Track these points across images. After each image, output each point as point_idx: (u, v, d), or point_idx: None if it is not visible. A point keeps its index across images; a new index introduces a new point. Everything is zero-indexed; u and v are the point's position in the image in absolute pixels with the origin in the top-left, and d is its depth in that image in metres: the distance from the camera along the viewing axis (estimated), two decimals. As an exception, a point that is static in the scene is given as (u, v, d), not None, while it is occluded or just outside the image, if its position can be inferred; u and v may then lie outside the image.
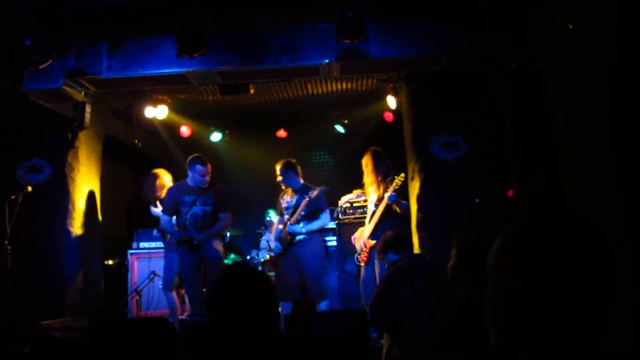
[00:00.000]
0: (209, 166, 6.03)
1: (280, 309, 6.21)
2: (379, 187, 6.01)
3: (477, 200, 5.75)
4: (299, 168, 6.35)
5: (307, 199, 5.99)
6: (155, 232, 6.86)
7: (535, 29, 4.69)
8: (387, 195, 5.80)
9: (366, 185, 6.18)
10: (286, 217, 6.24)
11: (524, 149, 5.33)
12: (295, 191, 6.28)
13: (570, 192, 4.36)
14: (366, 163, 6.15)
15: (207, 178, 6.01)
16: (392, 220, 5.87)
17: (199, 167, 5.96)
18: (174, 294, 6.41)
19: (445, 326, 3.67)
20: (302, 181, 6.32)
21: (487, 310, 1.16)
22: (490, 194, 5.85)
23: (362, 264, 6.00)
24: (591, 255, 1.08)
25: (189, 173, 6.04)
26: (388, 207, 5.84)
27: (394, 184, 5.80)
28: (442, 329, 3.74)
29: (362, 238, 6.00)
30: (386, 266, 4.52)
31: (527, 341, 1.09)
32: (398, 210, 5.87)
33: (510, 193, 5.63)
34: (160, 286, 6.68)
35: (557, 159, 4.51)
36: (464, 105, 6.15)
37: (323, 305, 6.10)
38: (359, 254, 6.04)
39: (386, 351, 4.14)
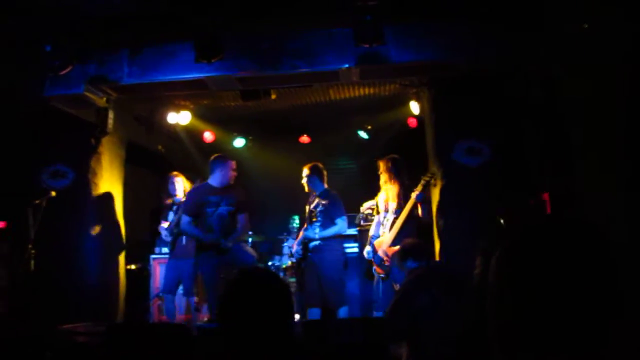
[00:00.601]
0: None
1: (306, 316, 6.19)
2: (398, 195, 5.97)
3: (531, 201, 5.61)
4: (324, 173, 6.32)
5: (318, 203, 5.97)
6: (167, 234, 6.69)
7: (553, 31, 4.58)
8: (414, 194, 5.79)
9: (385, 192, 6.11)
10: (308, 220, 6.23)
11: (547, 156, 5.20)
12: (318, 196, 6.24)
13: (586, 198, 4.24)
14: (384, 170, 6.09)
15: (235, 174, 6.07)
16: (410, 229, 5.84)
17: (230, 162, 6.04)
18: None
19: (464, 335, 3.59)
20: (325, 186, 6.28)
21: (488, 323, 1.14)
22: (514, 201, 5.72)
23: (382, 276, 5.91)
24: (591, 265, 1.06)
25: (216, 172, 6.01)
26: (410, 213, 5.78)
27: (421, 182, 5.83)
28: (461, 337, 3.66)
29: (381, 247, 5.93)
30: (405, 274, 4.45)
31: (528, 355, 1.06)
32: (419, 214, 5.81)
33: (533, 201, 5.50)
34: (181, 291, 6.67)
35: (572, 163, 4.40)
36: (487, 111, 6.04)
37: (342, 312, 6.04)
38: (378, 265, 5.96)
39: (405, 360, 4.06)
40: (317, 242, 6.08)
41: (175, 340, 5.03)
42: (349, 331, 4.87)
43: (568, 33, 4.14)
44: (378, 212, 6.26)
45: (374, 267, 6.00)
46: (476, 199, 5.96)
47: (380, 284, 5.95)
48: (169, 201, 6.81)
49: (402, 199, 5.93)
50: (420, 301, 3.92)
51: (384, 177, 6.10)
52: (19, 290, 5.80)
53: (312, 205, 6.27)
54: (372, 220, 6.91)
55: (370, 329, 4.81)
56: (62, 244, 6.41)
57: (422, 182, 5.87)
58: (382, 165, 6.14)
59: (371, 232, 6.19)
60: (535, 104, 5.17)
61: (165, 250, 7.40)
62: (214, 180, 6.03)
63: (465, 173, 6.11)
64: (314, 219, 6.10)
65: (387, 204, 6.07)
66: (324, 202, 6.06)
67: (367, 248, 6.10)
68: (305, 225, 6.36)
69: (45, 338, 5.32)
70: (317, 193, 6.24)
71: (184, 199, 6.49)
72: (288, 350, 1.93)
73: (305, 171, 6.26)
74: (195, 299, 6.46)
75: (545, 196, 5.36)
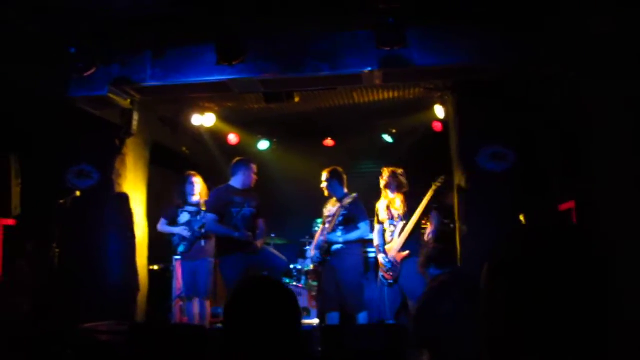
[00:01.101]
0: None
1: (325, 320, 6.15)
2: (403, 203, 6.02)
3: None
4: (344, 177, 6.27)
5: (340, 206, 5.93)
6: (190, 234, 6.45)
7: (574, 34, 4.47)
8: (425, 199, 5.90)
9: (388, 200, 6.11)
10: (327, 226, 6.16)
11: (574, 161, 5.08)
12: (338, 200, 6.19)
13: (603, 204, 4.13)
14: (387, 183, 6.13)
15: (256, 177, 6.16)
16: (418, 234, 5.94)
17: (252, 165, 6.13)
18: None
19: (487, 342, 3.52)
20: (345, 191, 6.22)
21: (480, 328, 1.17)
22: (540, 207, 5.60)
23: (390, 282, 5.87)
24: (581, 270, 1.05)
25: (239, 174, 6.07)
26: (420, 219, 5.83)
27: (432, 187, 5.93)
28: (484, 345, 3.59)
29: (390, 253, 5.89)
30: (428, 280, 4.40)
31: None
32: (431, 224, 5.86)
33: (562, 207, 5.38)
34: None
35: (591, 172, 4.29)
36: (512, 116, 5.94)
37: (362, 317, 5.98)
38: (386, 272, 5.91)
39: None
40: (338, 246, 6.03)
41: (195, 342, 5.04)
42: (368, 337, 4.81)
43: (594, 32, 4.03)
44: (379, 222, 6.20)
45: (382, 273, 5.96)
46: (500, 205, 5.86)
47: (386, 290, 5.91)
48: (179, 201, 6.67)
49: (407, 205, 5.98)
50: (444, 308, 3.85)
51: (388, 189, 6.16)
52: (42, 288, 5.86)
53: (330, 209, 6.23)
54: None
55: (389, 336, 4.74)
56: (85, 244, 6.48)
57: (433, 187, 5.95)
58: (384, 175, 6.18)
59: (376, 242, 6.13)
60: (559, 108, 5.05)
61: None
62: (236, 182, 6.05)
63: (490, 178, 6.02)
64: (333, 223, 6.05)
65: (390, 211, 6.06)
66: (346, 206, 6.00)
67: (381, 257, 6.03)
68: (321, 229, 6.32)
69: (67, 336, 5.37)
70: (338, 197, 6.19)
71: (202, 200, 6.48)
72: (293, 357, 1.91)
73: (325, 175, 6.22)
74: (208, 302, 6.40)
75: (572, 204, 5.25)
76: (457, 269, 5.12)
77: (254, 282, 2.12)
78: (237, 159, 6.22)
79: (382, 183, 6.17)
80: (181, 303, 7.10)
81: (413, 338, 4.05)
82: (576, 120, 4.57)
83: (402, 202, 6.03)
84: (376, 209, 6.24)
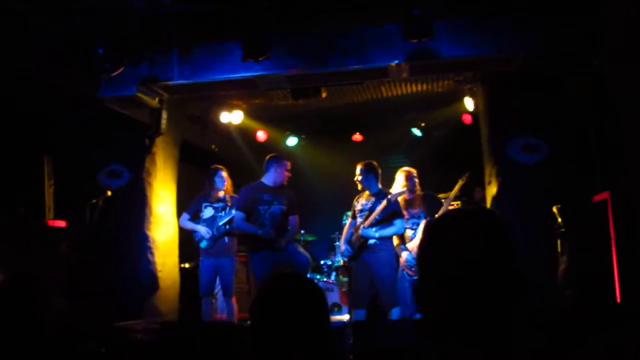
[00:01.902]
0: None
1: (352, 317, 6.10)
2: (422, 202, 5.98)
3: None
4: (379, 172, 6.19)
5: (385, 202, 5.83)
6: (213, 233, 6.31)
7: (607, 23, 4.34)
8: (452, 194, 5.88)
9: (407, 201, 6.04)
10: (359, 220, 6.08)
11: (609, 151, 4.96)
12: (372, 194, 6.10)
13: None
14: (401, 184, 6.03)
15: (289, 174, 6.07)
16: None
17: (285, 162, 6.03)
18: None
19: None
20: (380, 186, 6.15)
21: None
22: (574, 199, 5.48)
23: (415, 277, 5.79)
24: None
25: (270, 171, 5.99)
26: None
27: (458, 183, 5.87)
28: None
29: (414, 250, 5.81)
30: None
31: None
32: None
33: (596, 198, 5.26)
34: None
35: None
36: (544, 107, 5.82)
37: (395, 313, 5.91)
38: (410, 268, 5.83)
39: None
40: (372, 241, 5.97)
41: (227, 339, 5.05)
42: (398, 332, 4.77)
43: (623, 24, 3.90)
44: None
45: (406, 270, 5.88)
46: (533, 197, 5.76)
47: (408, 286, 5.84)
48: (206, 192, 6.45)
49: (426, 203, 5.93)
50: None
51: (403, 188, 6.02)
52: (76, 287, 5.95)
53: (363, 203, 6.15)
54: None
55: (424, 331, 4.68)
56: (117, 243, 6.55)
57: (460, 182, 5.87)
58: (400, 177, 6.09)
59: (397, 241, 6.03)
60: (596, 97, 4.93)
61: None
62: (268, 179, 6.01)
63: (522, 170, 5.93)
64: (372, 218, 5.98)
65: (409, 211, 6.00)
66: (381, 201, 5.94)
67: (405, 254, 5.94)
68: (349, 223, 6.25)
69: (101, 335, 5.44)
70: (372, 192, 6.11)
71: (228, 196, 6.42)
72: (322, 354, 1.87)
73: (360, 169, 6.11)
74: (234, 299, 6.38)
75: (606, 194, 5.13)
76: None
77: (281, 278, 2.09)
78: (270, 155, 6.13)
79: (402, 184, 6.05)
80: (213, 300, 7.12)
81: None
82: (613, 113, 4.45)
83: (420, 201, 5.97)
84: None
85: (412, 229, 5.95)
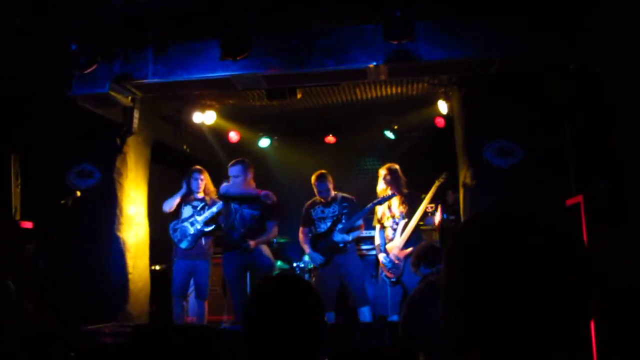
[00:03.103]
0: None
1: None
2: (402, 202, 5.94)
3: None
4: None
5: (347, 204, 6.07)
6: (195, 229, 6.27)
7: (598, 25, 4.40)
8: (429, 196, 5.93)
9: (389, 201, 6.02)
10: (326, 225, 6.11)
11: (584, 155, 5.02)
12: (332, 200, 6.17)
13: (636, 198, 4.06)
14: (386, 180, 6.01)
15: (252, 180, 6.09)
16: (418, 234, 5.97)
17: (249, 166, 6.05)
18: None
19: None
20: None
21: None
22: (548, 203, 5.54)
23: (393, 279, 5.80)
24: (554, 261, 0.92)
25: (234, 176, 5.98)
26: (422, 216, 5.90)
27: (436, 184, 5.99)
28: None
29: (392, 252, 5.82)
30: (419, 279, 4.34)
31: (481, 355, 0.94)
32: (437, 218, 5.85)
33: (569, 202, 5.33)
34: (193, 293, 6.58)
35: (620, 165, 4.20)
36: (520, 110, 5.88)
37: (365, 312, 5.96)
38: (388, 270, 5.83)
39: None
40: (344, 244, 6.02)
41: (201, 342, 4.98)
42: (377, 335, 4.77)
43: (626, 18, 3.93)
44: (379, 221, 6.10)
45: (384, 272, 5.88)
46: (507, 201, 5.80)
47: (389, 288, 5.85)
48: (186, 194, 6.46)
49: (408, 204, 5.90)
50: (434, 311, 3.76)
51: (381, 185, 6.03)
52: (45, 290, 5.79)
53: (322, 210, 6.20)
54: None
55: (396, 332, 4.70)
56: (87, 244, 6.40)
57: (437, 183, 5.98)
58: (384, 174, 6.05)
59: (378, 241, 6.05)
60: (573, 101, 4.99)
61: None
62: (234, 184, 5.97)
63: (496, 174, 5.96)
64: (337, 223, 6.06)
65: (391, 210, 5.98)
66: (344, 204, 6.13)
67: (382, 256, 5.94)
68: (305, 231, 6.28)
69: (70, 338, 5.31)
70: (332, 197, 6.18)
71: (208, 198, 6.37)
72: (318, 354, 1.84)
73: (328, 179, 6.17)
74: (206, 303, 6.31)
75: (580, 198, 5.20)
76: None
77: (274, 280, 2.05)
78: (233, 161, 6.14)
79: (384, 182, 6.04)
80: (184, 303, 7.03)
81: (405, 341, 3.99)
82: (591, 115, 4.51)
83: (401, 200, 5.95)
84: (375, 209, 6.13)
85: (392, 228, 5.94)
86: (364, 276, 6.29)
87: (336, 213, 6.12)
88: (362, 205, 6.15)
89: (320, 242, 6.08)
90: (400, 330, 3.96)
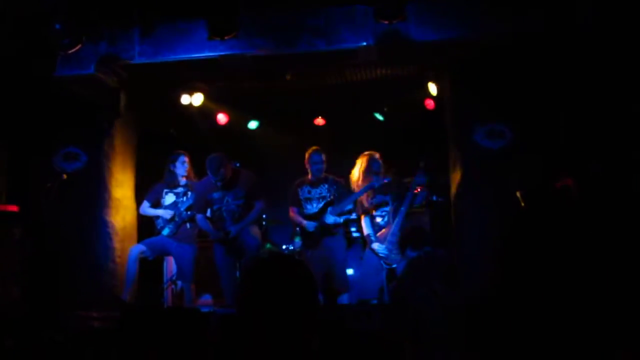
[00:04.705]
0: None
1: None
2: (384, 187, 5.79)
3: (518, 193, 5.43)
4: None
5: (337, 187, 6.00)
6: (177, 217, 6.20)
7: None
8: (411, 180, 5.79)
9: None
10: (313, 207, 6.06)
11: (575, 137, 5.02)
12: (320, 180, 6.11)
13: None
14: (362, 169, 5.90)
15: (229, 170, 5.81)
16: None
17: (223, 159, 5.74)
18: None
19: (462, 324, 3.45)
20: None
21: None
22: (538, 184, 5.55)
23: (394, 265, 5.71)
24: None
25: (211, 171, 5.71)
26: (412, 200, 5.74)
27: (419, 167, 5.78)
28: (459, 327, 3.51)
29: (386, 240, 5.72)
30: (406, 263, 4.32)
31: None
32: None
33: (559, 184, 5.34)
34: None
35: (612, 147, 4.19)
36: (510, 92, 5.87)
37: (345, 299, 5.95)
38: (385, 258, 5.73)
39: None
40: (336, 227, 6.00)
41: (191, 325, 4.96)
42: (367, 317, 4.76)
43: None
44: (364, 211, 5.93)
45: (383, 261, 5.81)
46: (497, 183, 5.81)
47: (385, 273, 5.80)
48: (168, 182, 6.37)
49: (394, 188, 5.81)
50: (418, 294, 3.75)
51: (359, 175, 5.90)
52: (31, 275, 5.73)
53: (309, 191, 6.15)
54: None
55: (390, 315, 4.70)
56: (75, 228, 6.35)
57: (420, 166, 5.75)
58: (360, 162, 5.94)
59: (367, 231, 5.88)
60: (564, 83, 4.97)
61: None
62: (212, 179, 5.82)
63: (486, 156, 5.96)
64: (328, 205, 6.00)
65: (378, 197, 5.87)
66: (334, 187, 6.05)
67: (376, 245, 5.82)
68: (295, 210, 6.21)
69: (58, 323, 5.26)
70: (321, 177, 6.12)
71: (190, 182, 6.30)
72: (313, 335, 1.81)
73: (323, 155, 6.08)
74: (193, 286, 6.28)
75: (569, 181, 5.21)
76: (431, 251, 4.99)
77: (264, 259, 2.01)
78: (208, 157, 5.77)
79: (360, 171, 5.92)
80: (173, 286, 7.00)
81: (392, 324, 3.99)
82: (583, 97, 4.48)
83: (387, 186, 5.82)
84: (360, 198, 5.96)
85: (380, 216, 5.88)
86: (347, 262, 6.24)
87: (325, 194, 6.06)
88: (349, 188, 6.09)
89: (314, 224, 6.02)
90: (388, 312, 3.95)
